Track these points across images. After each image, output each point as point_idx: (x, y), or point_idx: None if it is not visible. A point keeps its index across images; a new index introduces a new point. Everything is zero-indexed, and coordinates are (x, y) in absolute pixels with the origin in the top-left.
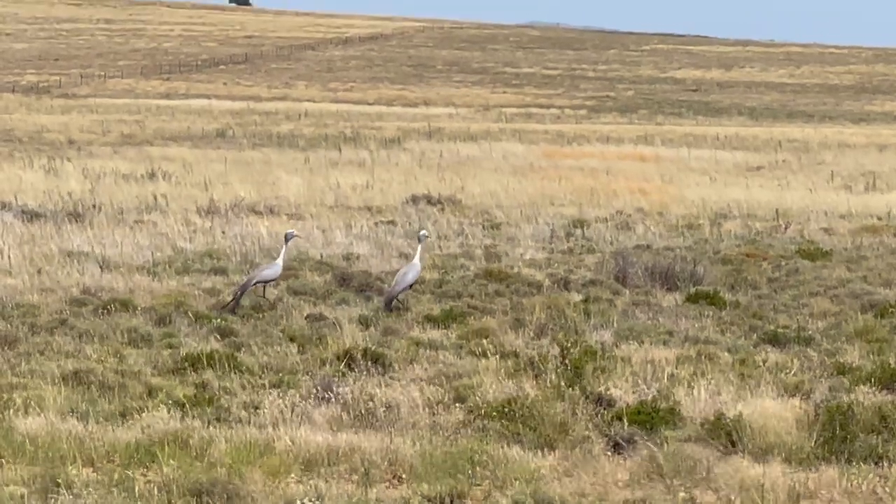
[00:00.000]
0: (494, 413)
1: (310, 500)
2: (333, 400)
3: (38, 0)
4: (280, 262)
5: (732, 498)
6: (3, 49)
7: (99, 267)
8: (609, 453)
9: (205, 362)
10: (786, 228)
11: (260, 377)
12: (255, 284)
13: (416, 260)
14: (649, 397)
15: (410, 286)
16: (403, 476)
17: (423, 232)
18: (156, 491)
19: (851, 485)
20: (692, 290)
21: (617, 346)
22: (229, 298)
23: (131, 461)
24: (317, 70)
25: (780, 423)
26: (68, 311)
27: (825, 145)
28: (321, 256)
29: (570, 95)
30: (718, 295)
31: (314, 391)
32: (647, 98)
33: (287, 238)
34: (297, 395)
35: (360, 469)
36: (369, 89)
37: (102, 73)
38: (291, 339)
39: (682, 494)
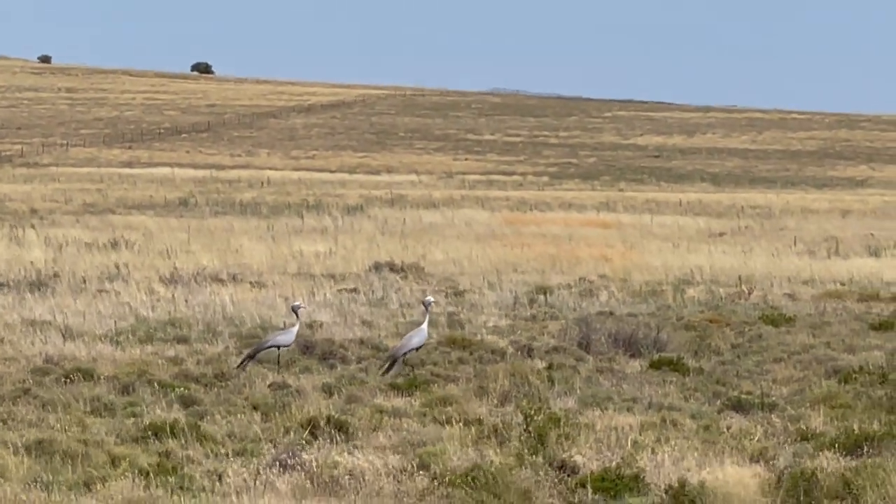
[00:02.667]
0: (458, 481)
1: None
2: (297, 468)
3: None
4: (295, 330)
5: None
6: None
7: (62, 336)
8: None
9: (168, 431)
10: (749, 294)
11: (223, 446)
12: (268, 348)
13: (424, 325)
14: (613, 464)
15: (416, 349)
16: None
17: (428, 298)
18: None
19: None
20: (655, 356)
21: (580, 412)
22: (240, 359)
23: None
24: (279, 138)
25: (743, 490)
26: (31, 381)
27: (788, 211)
28: (284, 324)
29: (532, 162)
30: (682, 361)
31: (278, 460)
32: (609, 164)
33: (295, 309)
34: (261, 464)
35: None
36: (332, 157)
37: (65, 142)
38: (255, 408)
39: None
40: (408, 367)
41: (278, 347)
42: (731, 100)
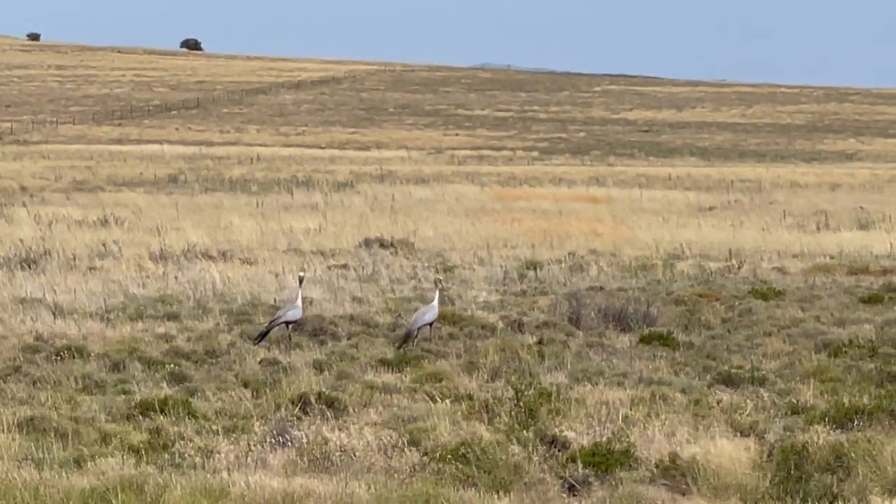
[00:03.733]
0: (449, 456)
1: None
2: (288, 444)
3: None
4: (299, 303)
5: None
6: None
7: (52, 314)
8: (564, 495)
9: (159, 408)
10: (739, 268)
11: (214, 422)
12: (280, 324)
13: (435, 302)
14: (604, 439)
15: (429, 325)
16: None
17: (439, 276)
18: None
19: None
20: (646, 331)
21: (571, 387)
22: (255, 336)
23: None
24: (269, 114)
25: (734, 464)
26: (21, 358)
27: (777, 185)
28: (274, 301)
29: (522, 137)
30: (672, 336)
31: (269, 436)
32: (599, 139)
33: (300, 281)
34: (252, 440)
35: None
36: (321, 133)
37: (54, 120)
38: (245, 385)
39: None
40: (423, 340)
41: (289, 323)
42: (720, 74)
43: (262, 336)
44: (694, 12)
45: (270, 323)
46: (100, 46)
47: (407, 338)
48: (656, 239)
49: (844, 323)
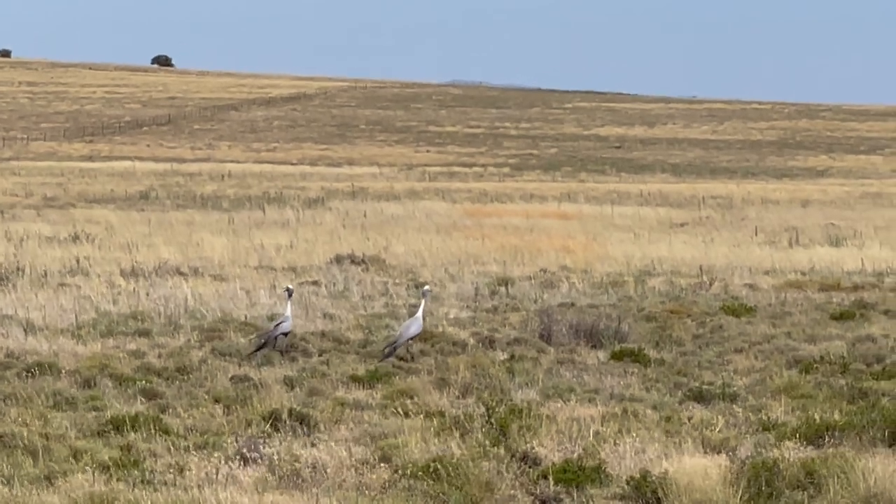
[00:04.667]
0: (420, 473)
1: None
2: (259, 461)
3: None
4: (289, 314)
5: None
6: None
7: (23, 330)
8: None
9: (130, 425)
10: (710, 285)
11: (185, 439)
12: (275, 337)
13: (420, 314)
14: (575, 455)
15: (413, 338)
16: None
17: (426, 287)
18: None
19: None
20: (617, 347)
21: (542, 404)
22: (252, 349)
23: None
24: (240, 130)
25: (705, 480)
26: None
27: (748, 201)
28: (246, 317)
29: (493, 154)
30: (643, 352)
31: (240, 452)
32: (570, 155)
33: (289, 293)
34: (223, 457)
35: None
36: (293, 149)
37: (25, 136)
38: (216, 401)
39: None
40: (409, 353)
41: (284, 335)
42: (691, 90)
43: (258, 349)
44: (665, 29)
45: (267, 336)
46: (71, 63)
47: (393, 351)
48: (627, 255)
49: (816, 339)
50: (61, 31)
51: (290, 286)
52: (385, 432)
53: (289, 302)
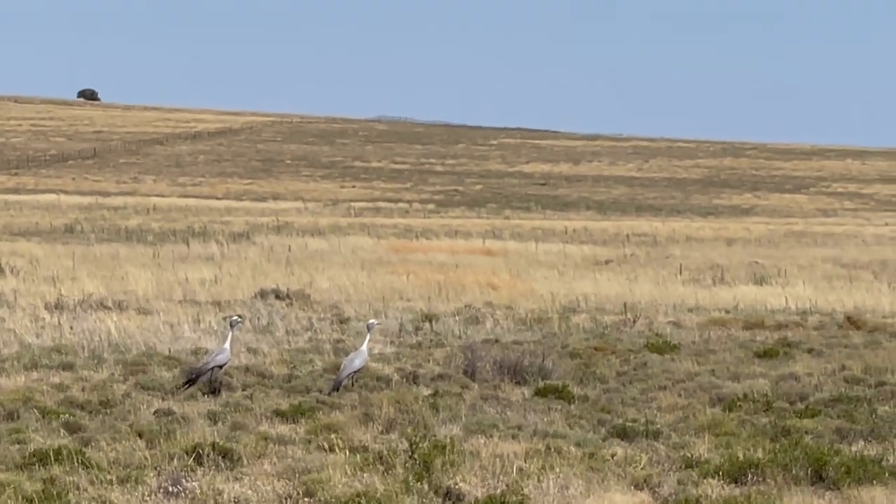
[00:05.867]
0: None
1: None
2: (182, 495)
3: None
4: (228, 346)
5: None
6: None
7: None
8: None
9: (53, 458)
10: (634, 322)
11: (108, 472)
12: (210, 369)
13: (364, 347)
14: (498, 492)
15: (357, 371)
16: None
17: (371, 321)
18: None
19: None
20: (541, 384)
21: (466, 440)
22: (182, 381)
23: None
24: (165, 165)
25: None
26: None
27: (673, 239)
28: (169, 351)
29: (418, 189)
30: (567, 389)
31: (162, 486)
32: (495, 192)
33: (232, 325)
34: (146, 491)
35: None
36: (218, 184)
37: None
38: (140, 435)
39: None
40: (355, 386)
41: (219, 367)
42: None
43: (192, 382)
44: (590, 66)
45: (201, 367)
46: None
47: (337, 387)
48: (552, 292)
49: (739, 377)
50: None
51: (236, 317)
52: (309, 467)
53: (230, 334)
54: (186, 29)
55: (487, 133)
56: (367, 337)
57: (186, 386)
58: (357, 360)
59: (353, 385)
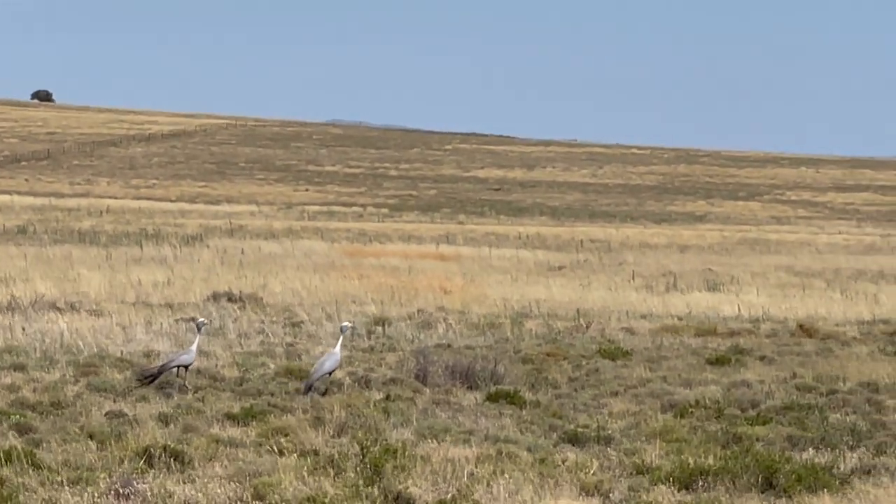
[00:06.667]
0: None
1: None
2: (132, 497)
3: None
4: (194, 348)
5: None
6: None
7: None
8: None
9: (3, 459)
10: (587, 328)
11: (59, 474)
12: (172, 368)
13: (337, 349)
14: (449, 496)
15: (329, 373)
16: None
17: (345, 323)
18: None
19: None
20: (493, 389)
21: (417, 444)
22: (146, 376)
23: None
24: (119, 167)
25: None
26: None
27: (627, 245)
28: (121, 353)
29: (372, 194)
30: (519, 394)
31: (113, 488)
32: (449, 197)
33: (199, 327)
34: (96, 493)
35: None
36: (172, 186)
37: None
38: (90, 436)
39: None
40: (323, 388)
41: (185, 367)
42: (571, 134)
43: (153, 378)
44: (546, 72)
45: (162, 366)
46: None
47: (309, 388)
48: (505, 297)
49: (691, 384)
50: None
51: (203, 319)
52: (259, 470)
53: (198, 335)
54: (142, 31)
55: (442, 138)
56: (340, 339)
57: (149, 381)
58: (328, 361)
59: (324, 387)
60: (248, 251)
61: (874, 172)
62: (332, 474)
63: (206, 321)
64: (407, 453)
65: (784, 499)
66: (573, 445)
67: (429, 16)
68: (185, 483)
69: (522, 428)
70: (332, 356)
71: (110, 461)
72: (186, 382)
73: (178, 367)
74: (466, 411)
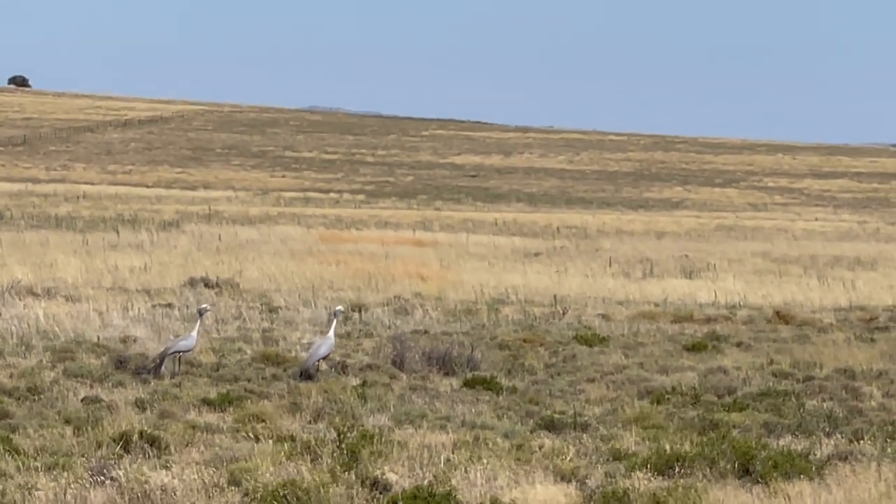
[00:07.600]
0: (270, 497)
1: None
2: (109, 483)
3: None
4: (195, 334)
5: None
6: None
7: None
8: None
9: None
10: (563, 314)
11: (35, 459)
12: (171, 354)
13: (331, 333)
14: (425, 482)
15: (324, 358)
16: None
17: (338, 308)
18: None
19: None
20: (469, 375)
21: (394, 430)
22: (150, 364)
23: None
24: (96, 152)
25: None
26: None
27: (603, 232)
28: (98, 339)
29: (349, 180)
30: (495, 380)
31: (89, 474)
32: (426, 183)
33: (201, 313)
34: (73, 478)
35: None
36: (148, 172)
37: None
38: (67, 422)
39: None
40: (319, 373)
41: (181, 353)
42: (548, 120)
43: (156, 368)
44: (523, 58)
45: (163, 352)
46: None
47: (304, 373)
48: (482, 284)
49: (668, 370)
50: None
51: (206, 306)
52: (236, 456)
53: (199, 322)
54: (118, 15)
55: (419, 124)
56: (334, 324)
57: (153, 368)
58: (323, 346)
59: (317, 371)
60: (224, 237)
61: (851, 160)
62: (308, 460)
63: (208, 307)
64: (384, 439)
65: (761, 485)
66: (550, 431)
67: (404, 4)
68: (161, 468)
69: (499, 414)
70: (326, 341)
71: (87, 447)
72: (178, 368)
73: (178, 352)
74: (443, 397)
